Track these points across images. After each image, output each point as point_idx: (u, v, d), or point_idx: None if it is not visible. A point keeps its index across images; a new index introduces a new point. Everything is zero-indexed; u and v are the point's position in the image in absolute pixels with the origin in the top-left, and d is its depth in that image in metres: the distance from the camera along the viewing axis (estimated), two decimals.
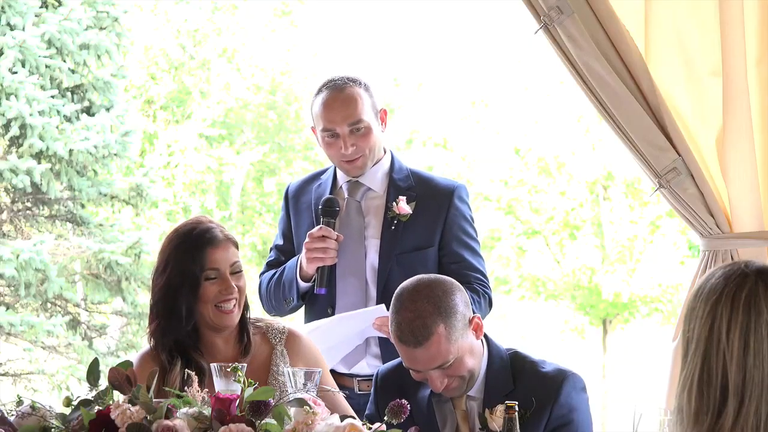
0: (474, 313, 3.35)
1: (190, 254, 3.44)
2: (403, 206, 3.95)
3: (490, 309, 3.97)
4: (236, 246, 3.52)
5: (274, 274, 4.07)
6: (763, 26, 4.03)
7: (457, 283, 3.34)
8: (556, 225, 15.47)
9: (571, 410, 3.29)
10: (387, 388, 3.45)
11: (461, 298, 3.30)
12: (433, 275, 3.39)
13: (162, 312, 3.47)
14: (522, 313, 15.94)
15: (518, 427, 2.98)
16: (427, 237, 3.95)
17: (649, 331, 15.63)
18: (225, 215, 15.06)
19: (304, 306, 4.08)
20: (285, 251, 4.10)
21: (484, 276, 3.98)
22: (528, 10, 4.07)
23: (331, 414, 2.91)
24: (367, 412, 3.50)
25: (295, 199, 4.12)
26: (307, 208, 4.07)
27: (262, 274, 4.13)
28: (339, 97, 3.91)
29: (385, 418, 2.96)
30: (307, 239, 3.92)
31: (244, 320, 3.54)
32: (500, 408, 3.25)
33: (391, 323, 3.30)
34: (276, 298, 4.06)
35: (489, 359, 3.35)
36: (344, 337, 3.93)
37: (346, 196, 4.02)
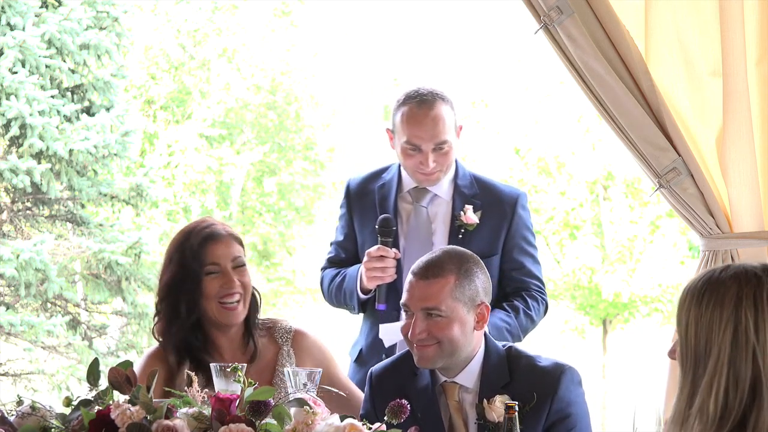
0: (488, 303, 3.37)
1: (191, 250, 3.45)
2: (471, 216, 4.05)
3: (545, 314, 4.11)
4: (240, 243, 3.53)
5: (336, 275, 4.15)
6: (763, 26, 4.02)
7: (485, 270, 3.41)
8: (556, 225, 15.47)
9: (569, 404, 3.31)
10: (383, 385, 3.45)
11: (482, 280, 3.36)
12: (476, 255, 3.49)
13: (166, 309, 3.48)
14: None
15: (518, 427, 2.98)
16: (492, 245, 4.06)
17: (649, 331, 15.63)
18: (225, 215, 15.06)
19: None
20: (346, 248, 4.18)
21: (542, 283, 4.12)
22: (528, 10, 4.07)
23: (332, 414, 2.92)
24: (361, 412, 3.51)
25: (358, 198, 4.18)
26: (372, 207, 4.13)
27: (323, 269, 4.22)
28: (429, 114, 3.98)
29: (385, 418, 2.97)
30: (365, 258, 3.99)
31: (249, 322, 3.53)
32: (498, 399, 3.27)
33: (415, 263, 3.39)
34: (338, 301, 4.16)
35: (486, 352, 3.38)
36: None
37: (411, 200, 4.11)
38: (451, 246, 3.52)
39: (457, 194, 4.09)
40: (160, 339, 3.51)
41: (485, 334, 3.41)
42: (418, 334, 3.28)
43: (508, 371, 3.34)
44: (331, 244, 4.25)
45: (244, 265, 3.51)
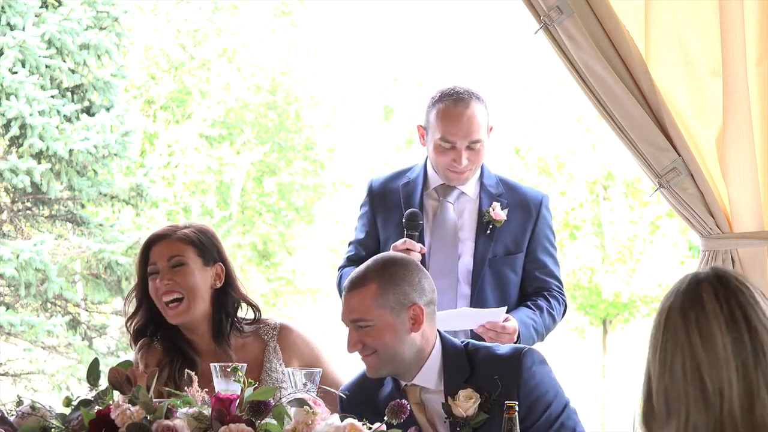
0: (422, 304, 3.32)
1: (140, 254, 3.56)
2: (499, 212, 4.12)
3: (564, 316, 4.20)
4: (191, 243, 3.52)
5: None
6: (763, 26, 4.03)
7: (423, 272, 3.37)
8: (556, 225, 15.47)
9: (536, 385, 3.30)
10: (351, 402, 3.46)
11: (412, 281, 3.32)
12: (408, 257, 3.48)
13: (140, 315, 3.58)
14: None
15: (518, 426, 2.98)
16: (518, 243, 4.15)
17: (649, 331, 15.61)
18: (225, 215, 15.06)
19: None
20: (367, 246, 4.20)
21: (561, 283, 4.22)
22: (528, 10, 4.08)
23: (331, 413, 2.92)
24: None
25: (381, 196, 4.22)
26: (397, 205, 4.16)
27: (341, 267, 4.23)
28: (465, 113, 4.05)
29: (385, 418, 2.98)
30: (391, 251, 3.99)
31: (214, 324, 3.52)
32: (462, 393, 3.27)
33: None
34: None
35: (443, 351, 3.37)
36: (458, 324, 4.00)
37: (437, 197, 4.14)
38: (381, 254, 3.53)
39: (483, 192, 4.15)
40: (129, 333, 3.57)
41: (439, 333, 3.40)
42: (354, 346, 3.31)
43: (469, 364, 3.34)
44: (350, 243, 4.28)
45: (183, 264, 3.50)
